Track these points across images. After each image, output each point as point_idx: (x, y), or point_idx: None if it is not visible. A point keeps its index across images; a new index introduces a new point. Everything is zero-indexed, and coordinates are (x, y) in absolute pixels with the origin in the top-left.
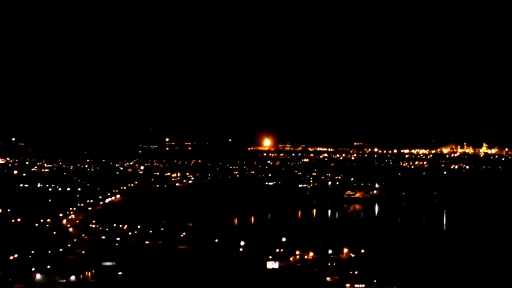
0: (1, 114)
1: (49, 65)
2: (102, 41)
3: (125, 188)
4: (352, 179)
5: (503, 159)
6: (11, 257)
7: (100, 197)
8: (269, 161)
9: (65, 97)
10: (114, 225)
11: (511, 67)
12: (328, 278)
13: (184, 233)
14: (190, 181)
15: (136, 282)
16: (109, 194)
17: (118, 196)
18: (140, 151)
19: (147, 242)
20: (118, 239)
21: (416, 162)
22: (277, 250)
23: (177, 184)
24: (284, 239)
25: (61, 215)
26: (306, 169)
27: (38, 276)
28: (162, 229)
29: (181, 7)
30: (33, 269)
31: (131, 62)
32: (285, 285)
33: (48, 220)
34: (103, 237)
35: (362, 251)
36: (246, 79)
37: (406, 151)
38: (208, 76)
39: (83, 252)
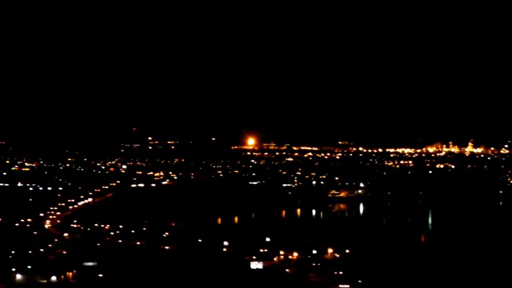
0: None
1: (29, 63)
2: (83, 39)
3: (107, 187)
4: (336, 178)
5: (488, 158)
6: None
7: (82, 196)
8: (253, 160)
9: (47, 95)
10: (96, 224)
11: (497, 66)
12: (312, 279)
13: (167, 233)
14: (165, 181)
15: (118, 283)
16: (90, 193)
17: (98, 196)
18: (122, 150)
19: (129, 242)
20: (101, 238)
21: (401, 161)
22: (261, 250)
23: (164, 183)
24: (268, 239)
25: (42, 214)
26: (291, 169)
27: (19, 276)
28: (144, 229)
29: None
30: (13, 269)
31: (114, 60)
32: (269, 286)
33: (29, 220)
34: (84, 237)
35: (347, 251)
36: (230, 78)
37: (391, 150)
38: (192, 74)
39: (64, 252)
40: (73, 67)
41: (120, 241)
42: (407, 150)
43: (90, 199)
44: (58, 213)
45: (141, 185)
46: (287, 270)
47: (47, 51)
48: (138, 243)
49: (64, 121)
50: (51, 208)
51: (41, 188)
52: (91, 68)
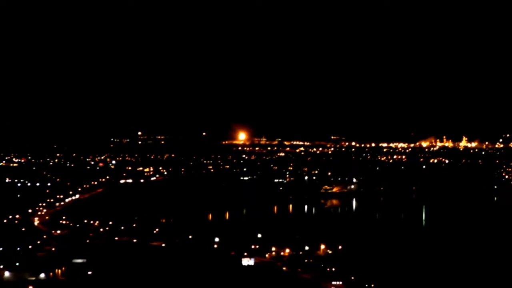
0: None
1: (17, 58)
2: (74, 33)
3: (96, 183)
4: (329, 173)
5: (483, 153)
6: None
7: (71, 192)
8: (244, 155)
9: (35, 90)
10: (85, 221)
11: (491, 61)
12: (305, 275)
13: (157, 229)
14: (154, 177)
15: (108, 280)
16: (79, 189)
17: (87, 192)
18: (111, 145)
19: (118, 239)
20: (90, 235)
21: (395, 156)
22: (253, 247)
23: (153, 179)
24: (259, 235)
25: (30, 211)
26: (282, 164)
27: (7, 273)
28: (134, 225)
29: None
30: (1, 266)
31: (103, 55)
32: (261, 282)
33: (17, 216)
34: (73, 234)
35: (340, 247)
36: (221, 72)
37: (384, 144)
38: (182, 69)
39: (53, 249)
40: (62, 62)
41: (109, 237)
42: (400, 145)
43: (77, 196)
44: (46, 209)
45: (129, 180)
46: (281, 266)
47: (33, 45)
48: (128, 239)
49: (52, 116)
50: (40, 204)
51: (29, 184)
52: (80, 63)
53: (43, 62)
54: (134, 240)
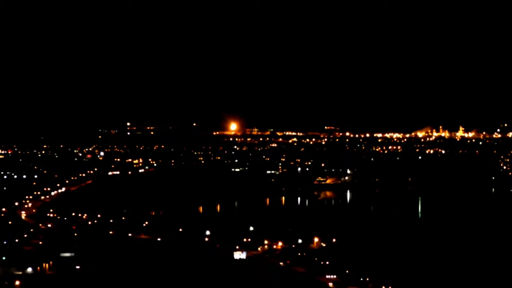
0: None
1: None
2: (58, 22)
3: (84, 175)
4: (322, 165)
5: (480, 143)
6: None
7: (58, 184)
8: (235, 146)
9: (21, 80)
10: (73, 214)
11: (488, 48)
12: (298, 269)
13: (146, 223)
14: (143, 169)
15: (96, 274)
16: (67, 181)
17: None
18: (99, 136)
19: (107, 232)
20: (78, 228)
21: (390, 147)
22: (245, 240)
23: (141, 171)
24: (251, 228)
25: (17, 204)
26: (275, 155)
27: None
28: (123, 218)
29: None
30: None
31: (90, 42)
32: (253, 277)
33: (3, 209)
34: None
35: (334, 240)
36: (211, 61)
37: (379, 135)
38: (172, 58)
39: (40, 242)
40: (48, 51)
41: (97, 230)
42: (395, 135)
43: (64, 188)
44: (33, 202)
45: (117, 172)
46: (274, 260)
47: (16, 36)
48: (117, 233)
49: (39, 106)
50: (27, 197)
51: (15, 176)
52: (67, 52)
53: (28, 52)
54: (123, 233)
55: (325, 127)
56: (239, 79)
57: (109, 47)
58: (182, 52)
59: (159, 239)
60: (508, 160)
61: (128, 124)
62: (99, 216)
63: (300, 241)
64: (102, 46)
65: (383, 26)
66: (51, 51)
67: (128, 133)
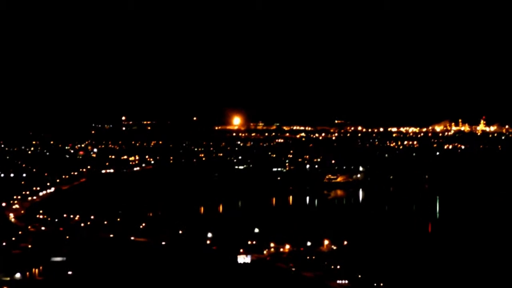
0: None
1: None
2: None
3: (76, 173)
4: (333, 161)
5: (503, 137)
6: None
7: (48, 183)
8: (239, 142)
9: (8, 73)
10: (64, 215)
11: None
12: (306, 274)
13: (143, 224)
14: (139, 166)
15: (89, 280)
16: (58, 180)
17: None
18: (93, 132)
19: (101, 235)
20: (70, 230)
21: (405, 142)
22: (249, 243)
23: (136, 169)
24: (257, 230)
25: (4, 204)
26: (281, 151)
27: None
28: (118, 219)
29: None
30: None
31: (84, 34)
32: (259, 282)
33: None
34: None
35: (345, 243)
36: (212, 52)
37: (394, 129)
38: (170, 49)
39: (30, 246)
40: (38, 43)
41: (90, 233)
42: (411, 129)
43: (55, 188)
44: (22, 202)
45: (111, 170)
46: (280, 263)
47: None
48: (111, 235)
49: (28, 100)
50: (15, 197)
51: (2, 175)
52: (59, 43)
53: (16, 44)
54: (118, 236)
55: (336, 121)
56: (243, 70)
57: (103, 38)
58: (180, 43)
59: (161, 242)
60: None
61: (123, 118)
62: (92, 217)
63: (309, 243)
64: (96, 37)
65: (405, 13)
66: (40, 43)
67: (123, 128)
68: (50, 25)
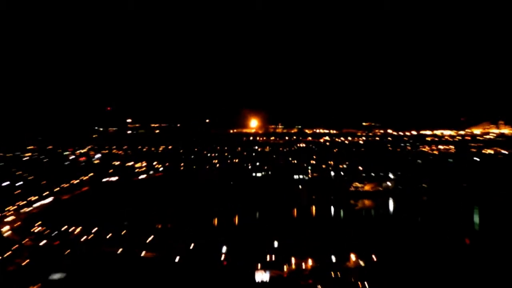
0: None
1: None
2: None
3: (77, 181)
4: (360, 168)
5: None
6: None
7: (47, 192)
8: (256, 147)
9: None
10: (64, 227)
11: None
12: None
13: (151, 237)
14: (145, 174)
15: None
16: (57, 189)
17: (67, 192)
18: (95, 136)
19: (104, 249)
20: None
21: (441, 146)
22: (268, 258)
23: (142, 177)
24: (276, 244)
25: None
26: (303, 156)
27: None
28: (123, 232)
29: None
30: None
31: (84, 29)
32: None
33: None
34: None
35: (374, 258)
36: (227, 47)
37: (428, 132)
38: (180, 45)
39: (26, 262)
40: (36, 36)
41: (93, 247)
42: (447, 132)
43: (53, 197)
44: (17, 213)
45: (115, 178)
46: (302, 281)
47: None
48: (116, 250)
49: (23, 100)
50: (9, 208)
51: None
52: (58, 37)
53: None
54: (123, 251)
55: (363, 123)
56: (260, 68)
57: (107, 32)
58: (192, 40)
59: (173, 258)
60: None
61: (129, 120)
62: (95, 230)
63: (333, 259)
64: (100, 31)
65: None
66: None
67: (129, 132)
68: (50, 25)
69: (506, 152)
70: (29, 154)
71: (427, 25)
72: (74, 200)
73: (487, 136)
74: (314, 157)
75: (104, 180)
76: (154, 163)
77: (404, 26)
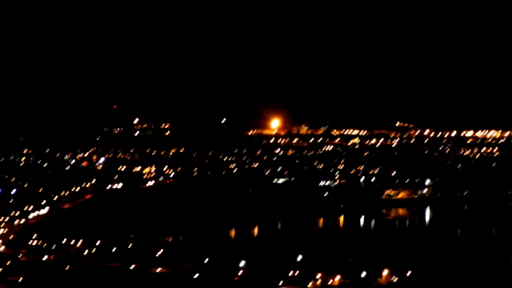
0: None
1: None
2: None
3: (77, 189)
4: (393, 173)
5: None
6: None
7: (44, 201)
8: (278, 150)
9: None
10: (64, 241)
11: None
12: None
13: (161, 251)
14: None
15: None
16: (56, 198)
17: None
18: (98, 137)
19: (109, 264)
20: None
21: (483, 149)
22: (291, 273)
23: (150, 183)
24: (300, 258)
25: None
26: (330, 161)
27: None
28: (130, 246)
29: None
30: None
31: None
32: None
33: None
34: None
35: (409, 273)
36: (244, 38)
37: (469, 133)
38: (191, 38)
39: (20, 279)
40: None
41: (96, 262)
42: (491, 133)
43: (51, 207)
44: (11, 225)
45: (120, 185)
46: None
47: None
48: (121, 265)
49: (19, 99)
50: (2, 219)
51: None
52: (59, 31)
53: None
54: (130, 266)
55: (397, 124)
56: (282, 63)
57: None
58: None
59: (173, 272)
60: None
61: (136, 121)
62: (98, 243)
63: (364, 274)
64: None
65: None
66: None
67: (136, 133)
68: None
69: None
70: (24, 158)
71: (465, 18)
72: (75, 210)
73: None
74: (342, 161)
75: (108, 187)
76: (164, 168)
77: (445, 19)
